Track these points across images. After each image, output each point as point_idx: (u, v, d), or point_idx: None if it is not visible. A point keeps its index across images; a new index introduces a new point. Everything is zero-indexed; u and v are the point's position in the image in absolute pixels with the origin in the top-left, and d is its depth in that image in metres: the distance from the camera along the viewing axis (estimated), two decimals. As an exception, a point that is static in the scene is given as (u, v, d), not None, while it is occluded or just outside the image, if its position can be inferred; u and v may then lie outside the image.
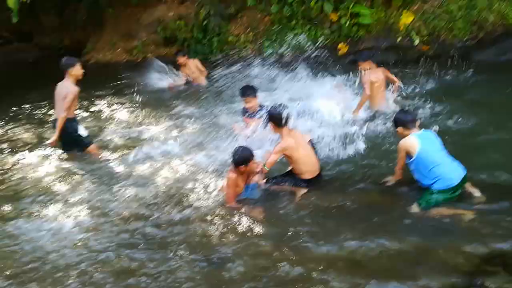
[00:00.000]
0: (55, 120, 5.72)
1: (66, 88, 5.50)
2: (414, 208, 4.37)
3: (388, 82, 6.66)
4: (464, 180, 4.36)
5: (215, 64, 8.53)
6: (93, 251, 4.04)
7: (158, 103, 7.73)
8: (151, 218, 4.54)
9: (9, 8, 5.84)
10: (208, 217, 4.50)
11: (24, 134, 6.96)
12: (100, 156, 5.90)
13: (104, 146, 6.22)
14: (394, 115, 4.73)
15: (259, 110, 5.84)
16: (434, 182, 4.33)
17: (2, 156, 6.22)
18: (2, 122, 7.47)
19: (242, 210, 4.53)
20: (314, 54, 8.08)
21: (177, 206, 4.72)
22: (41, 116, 7.69)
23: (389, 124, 5.43)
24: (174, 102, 7.73)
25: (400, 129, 4.56)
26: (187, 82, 8.40)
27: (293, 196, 4.74)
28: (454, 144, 4.76)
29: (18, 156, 6.12)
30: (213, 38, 10.01)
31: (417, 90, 7.16)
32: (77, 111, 5.89)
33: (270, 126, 4.95)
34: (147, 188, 5.10)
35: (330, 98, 6.71)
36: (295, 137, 4.85)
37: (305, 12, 9.09)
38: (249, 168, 4.58)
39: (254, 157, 4.59)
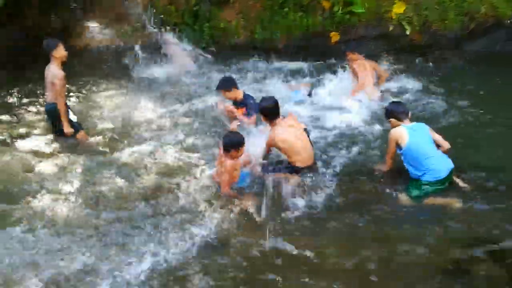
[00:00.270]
0: (47, 104, 5.63)
1: (52, 73, 5.40)
2: (403, 198, 4.44)
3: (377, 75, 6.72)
4: (451, 173, 4.43)
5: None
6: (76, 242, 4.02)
7: (149, 89, 7.65)
8: (140, 207, 4.52)
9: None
10: (201, 205, 4.50)
11: (10, 121, 6.82)
12: (88, 143, 5.83)
13: (93, 133, 6.14)
14: (386, 106, 4.77)
15: (245, 98, 5.76)
16: (423, 174, 4.41)
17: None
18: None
19: (236, 199, 4.54)
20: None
21: (168, 194, 4.71)
22: (28, 103, 7.54)
23: (381, 115, 5.46)
24: (165, 88, 7.65)
25: (392, 120, 4.60)
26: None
27: (286, 183, 4.75)
28: (444, 135, 4.81)
29: (3, 145, 5.96)
30: (204, 24, 9.87)
31: (408, 80, 7.19)
32: (66, 96, 5.77)
33: (261, 117, 4.96)
34: (137, 176, 5.07)
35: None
36: (287, 126, 4.85)
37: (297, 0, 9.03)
38: (241, 154, 4.57)
39: (245, 142, 4.58)
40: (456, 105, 6.24)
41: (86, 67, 8.63)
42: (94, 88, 7.90)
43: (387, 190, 4.59)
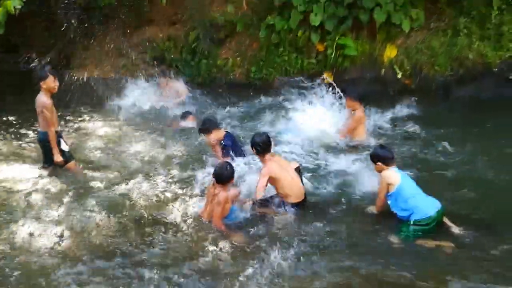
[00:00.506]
0: (40, 135, 5.66)
1: (39, 102, 5.44)
2: (394, 239, 4.43)
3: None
4: (440, 213, 4.45)
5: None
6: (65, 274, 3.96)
7: (142, 120, 7.74)
8: (128, 239, 4.48)
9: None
10: (188, 238, 4.48)
11: (4, 146, 6.85)
12: (79, 173, 5.83)
13: (85, 162, 6.16)
14: (372, 150, 4.82)
15: (224, 138, 5.80)
16: (411, 213, 4.43)
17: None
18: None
19: (226, 234, 4.51)
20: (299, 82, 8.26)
21: (156, 226, 4.68)
22: (23, 129, 7.59)
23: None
24: (158, 120, 7.74)
25: (379, 164, 4.65)
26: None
27: (277, 220, 4.75)
28: (430, 177, 4.88)
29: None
30: (201, 61, 10.11)
31: (397, 123, 7.32)
32: (60, 125, 5.82)
33: (253, 151, 5.02)
34: (125, 207, 5.06)
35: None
36: (279, 162, 4.93)
37: (292, 41, 9.29)
38: (231, 184, 4.60)
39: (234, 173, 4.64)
40: (443, 149, 6.33)
41: (82, 98, 8.75)
42: (88, 118, 8.00)
43: (378, 231, 4.59)
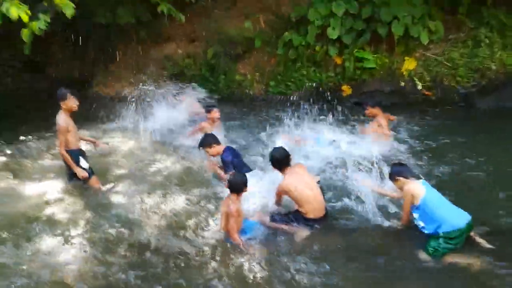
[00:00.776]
0: None
1: (57, 121, 5.52)
2: (422, 255, 4.31)
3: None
4: (470, 225, 4.32)
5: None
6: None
7: (163, 137, 7.81)
8: (147, 257, 4.49)
9: (23, 40, 6.03)
10: (208, 254, 4.46)
11: (28, 163, 7.00)
12: (100, 189, 5.90)
13: (106, 179, 6.23)
14: (391, 169, 4.74)
15: (223, 152, 5.85)
16: (439, 225, 4.28)
17: (4, 185, 6.23)
18: (9, 151, 7.54)
19: (244, 248, 4.48)
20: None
21: (176, 243, 4.68)
22: (46, 146, 7.76)
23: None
24: (178, 136, 7.80)
25: (401, 179, 4.56)
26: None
27: (296, 237, 4.70)
28: (456, 189, 4.76)
29: (18, 187, 6.13)
30: (220, 77, 10.22)
31: (419, 135, 7.21)
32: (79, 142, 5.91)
33: (271, 166, 4.99)
34: (145, 225, 5.08)
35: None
36: (299, 176, 4.86)
37: (309, 55, 9.32)
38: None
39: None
40: (467, 161, 6.19)
41: (103, 114, 8.89)
42: (109, 134, 8.10)
43: (404, 247, 4.48)
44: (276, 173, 5.02)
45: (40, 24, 5.86)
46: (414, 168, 5.64)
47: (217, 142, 5.98)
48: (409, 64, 8.82)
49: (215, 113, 7.30)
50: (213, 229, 4.88)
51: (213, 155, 5.99)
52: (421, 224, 4.42)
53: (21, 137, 8.06)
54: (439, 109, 8.21)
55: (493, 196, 5.24)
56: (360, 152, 6.33)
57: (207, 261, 4.38)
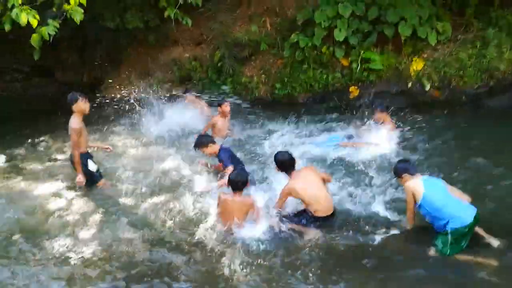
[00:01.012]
0: (71, 155, 5.82)
1: (69, 124, 5.61)
2: (432, 252, 4.31)
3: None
4: (477, 218, 4.30)
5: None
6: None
7: (171, 139, 7.85)
8: (156, 258, 4.52)
9: (31, 45, 6.10)
10: (217, 254, 4.49)
11: (38, 166, 7.06)
12: (110, 190, 5.95)
13: (115, 181, 6.28)
14: (395, 165, 4.74)
15: (219, 151, 5.89)
16: (447, 222, 4.28)
17: (14, 189, 6.29)
18: (18, 155, 7.62)
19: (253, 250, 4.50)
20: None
21: (185, 247, 4.71)
22: (56, 149, 7.83)
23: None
24: (186, 138, 7.83)
25: (405, 176, 4.58)
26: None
27: (304, 237, 4.71)
28: (464, 190, 4.72)
29: (28, 189, 6.19)
30: (227, 79, 10.26)
31: (426, 136, 7.17)
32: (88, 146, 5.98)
33: (275, 169, 5.03)
34: (155, 227, 5.11)
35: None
36: (305, 177, 4.89)
37: (316, 57, 9.32)
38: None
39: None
40: (475, 162, 6.16)
41: (112, 117, 8.97)
42: (118, 137, 8.16)
43: (413, 247, 4.47)
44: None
45: (49, 29, 5.91)
46: (423, 169, 5.61)
47: (213, 141, 6.00)
48: (417, 65, 8.79)
49: (226, 107, 7.39)
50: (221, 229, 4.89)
51: (210, 154, 6.00)
52: (428, 221, 4.44)
53: (29, 140, 8.15)
54: (447, 109, 8.16)
55: (503, 195, 5.19)
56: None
57: (216, 259, 4.40)
